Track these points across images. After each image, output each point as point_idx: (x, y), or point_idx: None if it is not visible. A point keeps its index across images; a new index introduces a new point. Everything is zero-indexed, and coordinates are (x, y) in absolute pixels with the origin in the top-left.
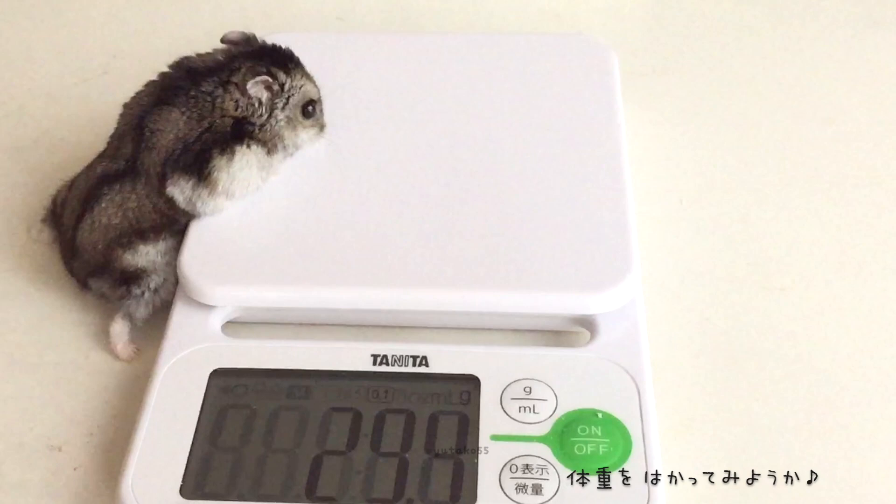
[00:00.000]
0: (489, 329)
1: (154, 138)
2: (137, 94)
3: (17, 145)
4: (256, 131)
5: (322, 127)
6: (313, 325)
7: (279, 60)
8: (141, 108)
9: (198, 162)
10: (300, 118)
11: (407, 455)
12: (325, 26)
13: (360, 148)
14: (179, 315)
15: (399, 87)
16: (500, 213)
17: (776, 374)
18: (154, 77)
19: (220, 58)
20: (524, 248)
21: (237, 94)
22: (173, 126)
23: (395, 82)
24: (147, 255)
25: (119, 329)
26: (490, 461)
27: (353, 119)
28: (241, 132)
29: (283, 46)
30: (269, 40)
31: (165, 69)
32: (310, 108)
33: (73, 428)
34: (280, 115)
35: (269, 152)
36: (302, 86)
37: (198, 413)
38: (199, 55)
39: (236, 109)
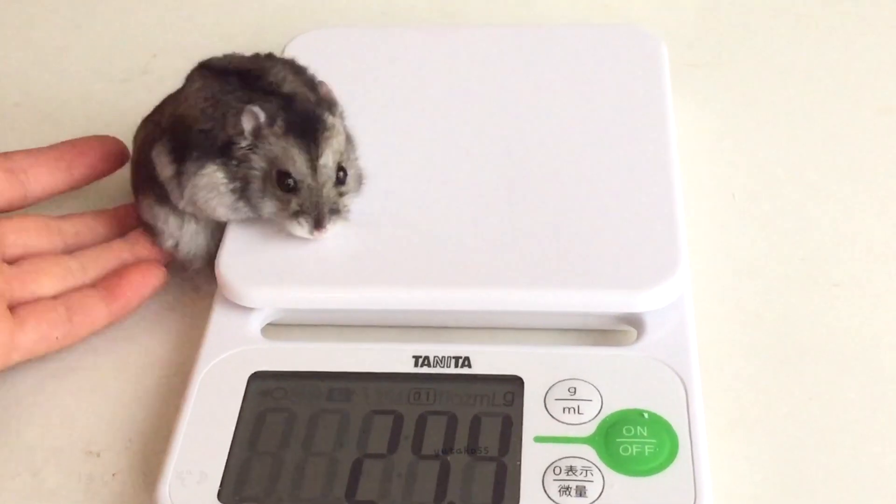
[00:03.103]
0: (533, 328)
1: (191, 108)
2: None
3: None
4: (234, 161)
5: (297, 214)
6: (353, 326)
7: (301, 112)
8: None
9: (178, 153)
10: (274, 185)
11: (449, 458)
12: (369, 21)
13: (401, 144)
14: (218, 318)
15: (443, 81)
16: (546, 208)
17: (829, 373)
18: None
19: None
20: (570, 244)
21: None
22: (206, 110)
23: (439, 77)
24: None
25: None
26: (533, 463)
27: (396, 115)
28: (225, 151)
29: (324, 94)
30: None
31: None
32: (288, 181)
33: (112, 433)
34: (256, 161)
35: (240, 193)
36: (282, 149)
37: (236, 417)
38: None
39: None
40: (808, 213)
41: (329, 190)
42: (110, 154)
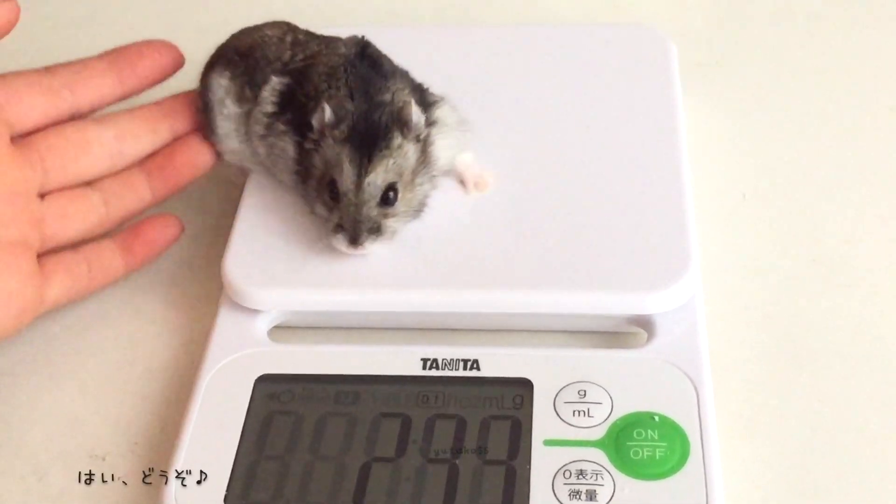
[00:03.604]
0: (542, 331)
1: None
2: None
3: None
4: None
5: (337, 228)
6: (361, 328)
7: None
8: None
9: (247, 77)
10: (324, 189)
11: (458, 461)
12: (378, 20)
13: None
14: (224, 320)
15: (451, 82)
16: (555, 209)
17: (842, 374)
18: None
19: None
20: (579, 245)
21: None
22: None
23: (447, 78)
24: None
25: None
26: (543, 467)
27: None
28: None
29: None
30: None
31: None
32: (333, 191)
33: (117, 437)
34: (317, 159)
35: (303, 177)
36: (336, 155)
37: (243, 420)
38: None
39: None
40: (820, 213)
41: (371, 209)
42: (163, 59)
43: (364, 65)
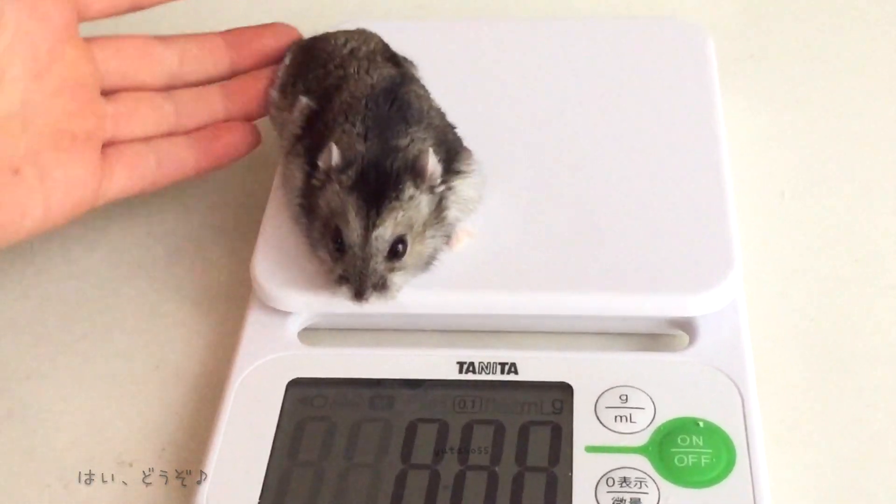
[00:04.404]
0: (581, 333)
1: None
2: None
3: None
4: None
5: (341, 279)
6: (395, 330)
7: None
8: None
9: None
10: (329, 236)
11: (497, 468)
12: (406, 14)
13: None
14: (253, 322)
15: (482, 78)
16: (593, 210)
17: (889, 377)
18: None
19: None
20: (618, 246)
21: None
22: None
23: (478, 73)
24: None
25: None
26: (586, 474)
27: None
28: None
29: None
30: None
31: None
32: (338, 240)
33: (144, 443)
34: (322, 201)
35: (300, 211)
36: (341, 204)
37: (275, 426)
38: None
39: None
40: (862, 212)
41: (378, 263)
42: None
43: (387, 103)
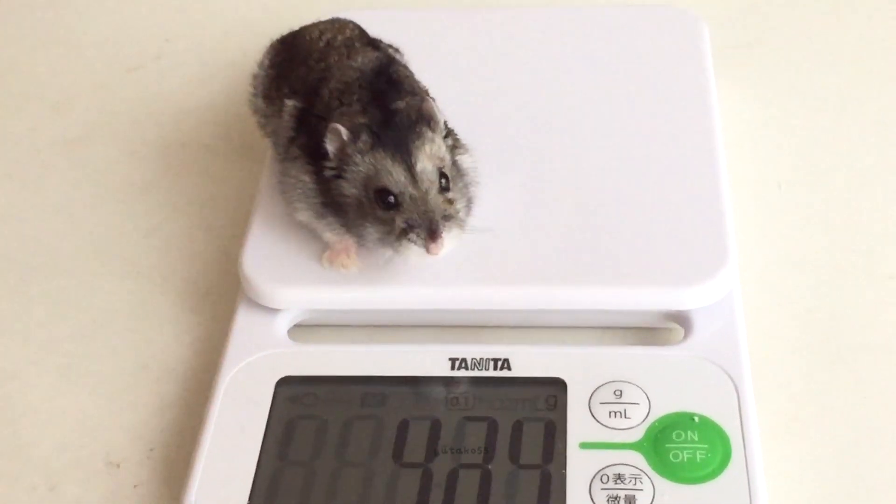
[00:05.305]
0: (575, 327)
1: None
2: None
3: (67, 138)
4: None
5: (406, 231)
6: (386, 326)
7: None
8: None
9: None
10: (374, 206)
11: (490, 466)
12: (398, 3)
13: None
14: (242, 320)
15: (477, 67)
16: (586, 201)
17: (886, 370)
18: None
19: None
20: (611, 239)
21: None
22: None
23: (472, 62)
24: None
25: None
26: (580, 471)
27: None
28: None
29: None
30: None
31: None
32: (388, 197)
33: (133, 443)
34: (347, 187)
35: (322, 210)
36: (371, 165)
37: (264, 424)
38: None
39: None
40: (859, 203)
41: (435, 196)
42: None
43: (379, 81)
